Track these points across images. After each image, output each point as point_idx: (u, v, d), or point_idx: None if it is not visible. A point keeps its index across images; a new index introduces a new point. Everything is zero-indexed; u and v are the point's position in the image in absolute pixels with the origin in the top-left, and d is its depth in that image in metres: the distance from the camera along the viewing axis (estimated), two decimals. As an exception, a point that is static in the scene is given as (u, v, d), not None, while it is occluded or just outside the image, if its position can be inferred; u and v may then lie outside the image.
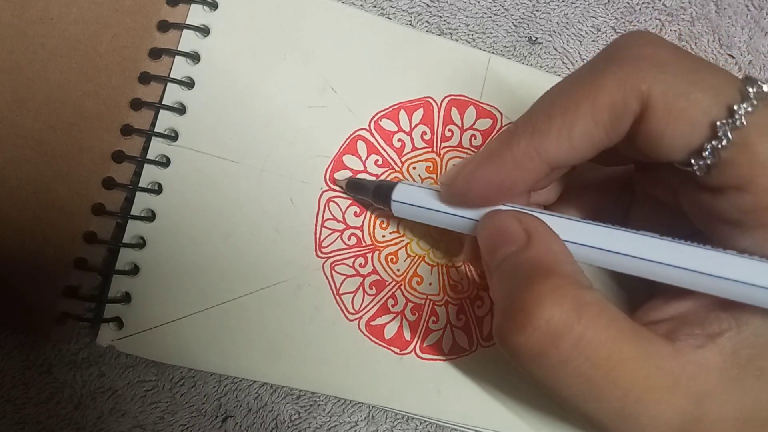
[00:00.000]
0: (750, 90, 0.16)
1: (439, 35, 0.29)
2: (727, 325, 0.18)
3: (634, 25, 0.31)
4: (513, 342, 0.17)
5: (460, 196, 0.21)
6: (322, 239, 0.26)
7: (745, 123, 0.16)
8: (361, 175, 0.27)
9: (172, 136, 0.26)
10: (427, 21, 0.29)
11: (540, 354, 0.17)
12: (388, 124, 0.27)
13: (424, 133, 0.28)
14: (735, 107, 0.16)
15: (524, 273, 0.18)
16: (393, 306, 0.27)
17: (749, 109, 0.16)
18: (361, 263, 0.27)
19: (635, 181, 0.23)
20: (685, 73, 0.17)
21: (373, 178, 0.27)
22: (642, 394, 0.17)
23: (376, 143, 0.27)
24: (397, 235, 0.27)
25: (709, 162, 0.17)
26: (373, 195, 0.25)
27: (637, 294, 0.20)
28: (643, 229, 0.22)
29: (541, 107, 0.19)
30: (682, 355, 0.17)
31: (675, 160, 0.18)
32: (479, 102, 0.28)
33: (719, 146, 0.16)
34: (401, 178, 0.27)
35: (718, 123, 0.16)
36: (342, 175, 0.27)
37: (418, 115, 0.28)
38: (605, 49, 0.19)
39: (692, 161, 0.17)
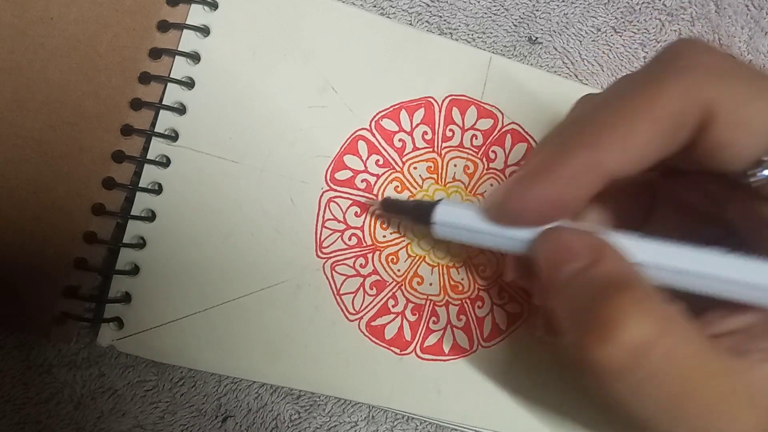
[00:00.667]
0: None
1: (439, 35, 0.29)
2: None
3: (634, 25, 0.31)
4: (595, 356, 0.16)
5: (514, 215, 0.20)
6: (322, 239, 0.26)
7: None
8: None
9: (172, 136, 0.26)
10: (427, 21, 0.29)
11: (625, 369, 0.16)
12: (388, 124, 0.27)
13: (425, 132, 0.28)
14: None
15: (600, 288, 0.17)
16: (393, 306, 0.27)
17: None
18: (361, 263, 0.27)
19: (659, 184, 0.22)
20: (747, 83, 0.16)
21: (413, 199, 0.26)
22: (724, 412, 0.16)
23: (376, 143, 0.27)
24: (397, 235, 0.27)
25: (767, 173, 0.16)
26: (413, 217, 0.24)
27: (690, 304, 0.19)
28: (665, 233, 0.21)
29: (595, 120, 0.18)
30: (754, 370, 0.17)
31: (732, 170, 0.17)
32: (480, 102, 0.28)
33: None
34: (402, 179, 0.27)
35: None
36: (374, 203, 0.26)
37: (419, 114, 0.28)
38: (659, 57, 0.18)
39: (753, 171, 0.17)
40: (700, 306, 0.19)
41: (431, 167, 0.28)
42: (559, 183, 0.18)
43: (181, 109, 0.26)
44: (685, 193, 0.21)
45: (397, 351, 0.26)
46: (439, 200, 0.23)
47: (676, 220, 0.22)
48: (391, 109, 0.28)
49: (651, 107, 0.17)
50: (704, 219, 0.20)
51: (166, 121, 0.26)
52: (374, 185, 0.27)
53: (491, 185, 0.28)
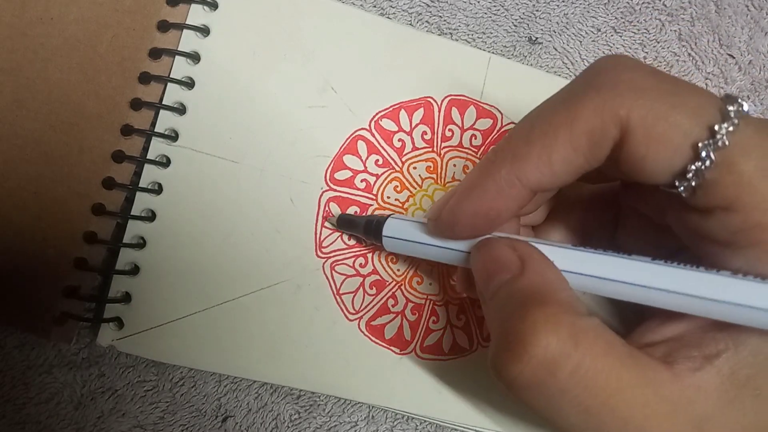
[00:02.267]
0: (730, 109, 0.16)
1: (439, 35, 0.29)
2: (724, 346, 0.18)
3: (634, 25, 0.31)
4: (509, 373, 0.17)
5: (447, 229, 0.21)
6: (322, 239, 0.26)
7: (727, 143, 0.16)
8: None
9: (172, 136, 0.26)
10: (427, 21, 0.29)
11: (537, 384, 0.17)
12: (388, 124, 0.27)
13: (425, 132, 0.28)
14: (716, 128, 0.16)
15: (519, 301, 0.18)
16: (393, 306, 0.27)
17: (730, 128, 0.16)
18: (361, 263, 0.27)
19: (622, 197, 0.23)
20: (664, 97, 0.17)
21: (365, 214, 0.27)
22: (642, 422, 0.17)
23: (376, 143, 0.27)
24: (397, 235, 0.27)
25: (693, 183, 0.17)
26: (364, 231, 0.25)
27: (631, 314, 0.19)
28: (631, 245, 0.22)
29: (520, 134, 0.19)
30: (680, 380, 0.17)
31: (659, 183, 0.18)
32: (480, 102, 0.28)
33: (703, 167, 0.16)
34: (402, 179, 0.27)
35: (699, 144, 0.16)
36: (334, 209, 0.27)
37: (419, 114, 0.28)
38: (582, 74, 0.19)
39: (676, 183, 0.17)
40: (639, 315, 0.19)
41: (431, 167, 0.28)
42: (486, 197, 0.19)
43: (181, 109, 0.26)
44: (640, 204, 0.22)
45: (397, 351, 0.26)
46: (389, 216, 0.24)
47: (640, 231, 0.22)
48: (391, 109, 0.28)
49: (568, 124, 0.17)
50: (662, 229, 0.21)
51: (166, 121, 0.26)
52: (374, 185, 0.27)
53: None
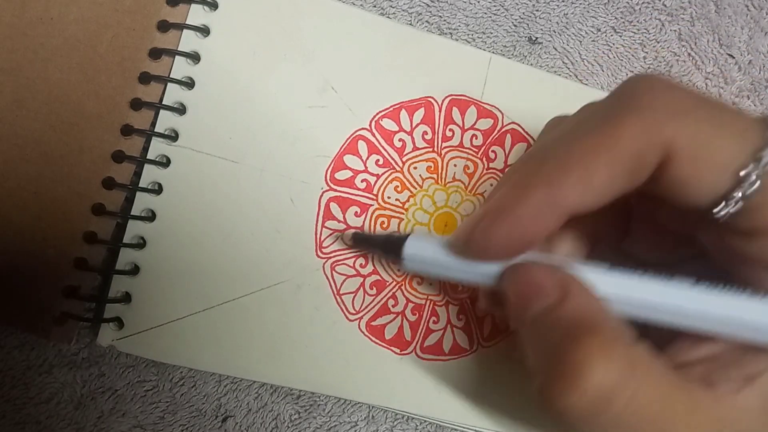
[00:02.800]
0: None
1: (439, 35, 0.29)
2: (764, 366, 0.18)
3: (634, 25, 0.31)
4: (563, 403, 0.16)
5: (479, 252, 0.20)
6: (322, 239, 0.26)
7: None
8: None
9: (172, 136, 0.26)
10: (427, 21, 0.29)
11: (592, 415, 0.16)
12: (388, 124, 0.27)
13: (425, 132, 0.28)
14: (762, 153, 0.16)
15: (566, 329, 0.17)
16: (393, 306, 0.27)
17: None
18: (361, 263, 0.27)
19: (638, 205, 0.22)
20: (708, 120, 0.17)
21: (381, 231, 0.26)
22: None
23: (376, 143, 0.27)
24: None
25: (736, 208, 0.17)
26: (383, 249, 0.24)
27: (661, 330, 0.19)
28: (643, 251, 0.21)
29: (555, 155, 0.18)
30: (723, 402, 0.17)
31: (700, 205, 0.17)
32: (480, 102, 0.28)
33: (746, 192, 0.16)
34: (402, 179, 0.27)
35: (746, 169, 0.16)
36: (346, 234, 0.26)
37: (419, 114, 0.28)
38: (617, 95, 0.18)
39: (718, 207, 0.17)
40: (671, 332, 0.19)
41: (431, 167, 0.28)
42: (521, 220, 0.18)
43: (181, 109, 0.26)
44: (659, 214, 0.21)
45: (397, 351, 0.26)
46: (408, 234, 0.23)
47: (653, 239, 0.22)
48: (391, 109, 0.28)
49: (610, 147, 0.17)
50: (680, 238, 0.20)
51: (166, 121, 0.26)
52: (374, 185, 0.27)
53: (491, 185, 0.28)
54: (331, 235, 0.26)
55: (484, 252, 0.20)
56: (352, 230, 0.26)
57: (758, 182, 0.16)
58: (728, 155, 0.16)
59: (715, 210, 0.17)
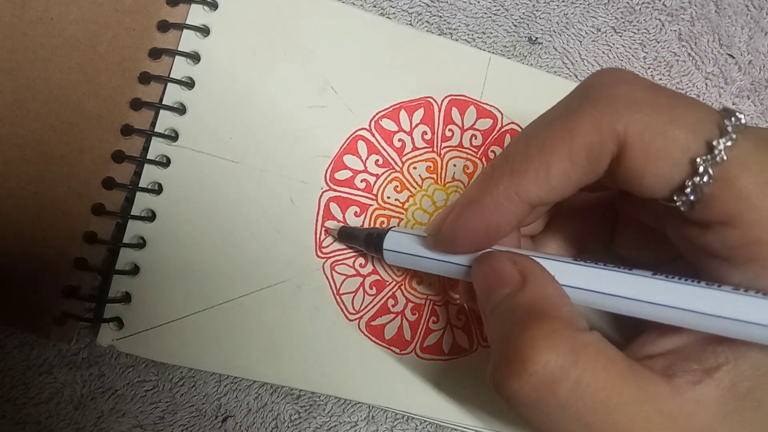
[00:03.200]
0: (728, 123, 0.16)
1: (439, 35, 0.29)
2: (725, 359, 0.18)
3: (634, 25, 0.31)
4: (509, 388, 0.17)
5: (447, 244, 0.21)
6: (322, 239, 0.26)
7: (725, 158, 0.16)
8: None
9: (172, 136, 0.26)
10: (427, 21, 0.29)
11: (537, 400, 0.17)
12: (388, 124, 0.27)
13: (425, 132, 0.28)
14: (714, 143, 0.16)
15: (519, 316, 0.18)
16: (393, 306, 0.27)
17: (728, 143, 0.16)
18: (361, 263, 0.27)
19: (619, 205, 0.23)
20: (662, 111, 0.17)
21: (366, 227, 0.27)
22: None
23: (376, 143, 0.27)
24: (397, 235, 0.27)
25: (692, 198, 0.17)
26: (365, 244, 0.25)
27: (629, 324, 0.19)
28: (629, 252, 0.22)
29: (517, 148, 0.19)
30: (680, 394, 0.17)
31: (657, 197, 0.18)
32: (480, 102, 0.28)
33: (701, 182, 0.16)
34: (402, 179, 0.27)
35: (698, 160, 0.16)
36: (333, 224, 0.27)
37: (419, 114, 0.28)
38: (579, 88, 0.19)
39: (675, 198, 0.17)
40: (640, 325, 0.19)
41: (431, 167, 0.28)
42: (485, 212, 0.19)
43: (181, 109, 0.26)
44: (640, 213, 0.22)
45: (397, 351, 0.26)
46: (389, 228, 0.24)
47: (637, 238, 0.22)
48: (391, 109, 0.28)
49: (566, 139, 0.17)
50: (662, 237, 0.21)
51: (166, 121, 0.26)
52: (374, 185, 0.27)
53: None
54: (326, 232, 0.26)
55: (453, 244, 0.21)
56: (340, 225, 0.26)
57: (711, 173, 0.16)
58: (681, 146, 0.16)
59: (674, 198, 0.17)
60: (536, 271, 0.19)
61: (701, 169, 0.16)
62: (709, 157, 0.16)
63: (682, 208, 0.17)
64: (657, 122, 0.17)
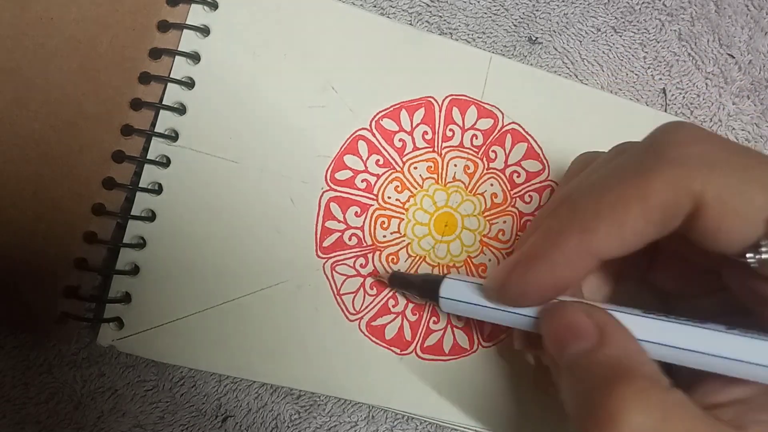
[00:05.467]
0: None
1: (439, 35, 0.29)
2: None
3: (634, 25, 0.31)
4: None
5: (514, 298, 0.21)
6: (322, 239, 0.26)
7: None
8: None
9: (172, 136, 0.26)
10: (427, 21, 0.29)
11: None
12: (389, 124, 0.27)
13: (426, 132, 0.28)
14: None
15: (603, 374, 0.17)
16: (394, 306, 0.27)
17: None
18: (361, 263, 0.27)
19: (663, 241, 0.23)
20: (738, 171, 0.17)
21: (419, 273, 0.26)
22: None
23: (377, 143, 0.27)
24: (398, 235, 0.27)
25: (765, 257, 0.17)
26: (419, 291, 0.25)
27: (688, 372, 0.19)
28: (666, 284, 0.22)
29: (587, 204, 0.19)
30: None
31: (729, 253, 0.18)
32: (480, 102, 0.28)
33: None
34: (402, 179, 0.27)
35: None
36: (380, 268, 0.26)
37: (419, 114, 0.28)
38: (651, 144, 0.19)
39: (747, 255, 0.17)
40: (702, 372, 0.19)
41: (431, 167, 0.28)
42: (555, 267, 0.19)
43: (181, 109, 0.26)
44: (686, 251, 0.22)
45: (398, 351, 0.26)
46: (444, 276, 0.23)
47: (678, 272, 0.22)
48: (391, 108, 0.28)
49: (641, 198, 0.18)
50: (705, 272, 0.21)
51: (166, 121, 0.26)
52: (374, 185, 0.27)
53: (491, 185, 0.28)
54: (371, 275, 0.26)
55: (519, 298, 0.20)
56: (390, 271, 0.26)
57: None
58: (758, 206, 0.17)
59: (744, 257, 0.17)
60: (613, 324, 0.19)
61: None
62: None
63: (754, 266, 0.17)
64: (733, 182, 0.17)
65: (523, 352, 0.25)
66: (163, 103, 0.26)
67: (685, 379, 0.20)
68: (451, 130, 0.28)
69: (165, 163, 0.26)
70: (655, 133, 0.19)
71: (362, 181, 0.27)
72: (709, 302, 0.21)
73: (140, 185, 0.26)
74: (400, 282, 0.26)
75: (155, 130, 0.26)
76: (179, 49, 0.26)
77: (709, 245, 0.18)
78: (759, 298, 0.19)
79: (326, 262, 0.26)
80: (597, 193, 0.19)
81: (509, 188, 0.28)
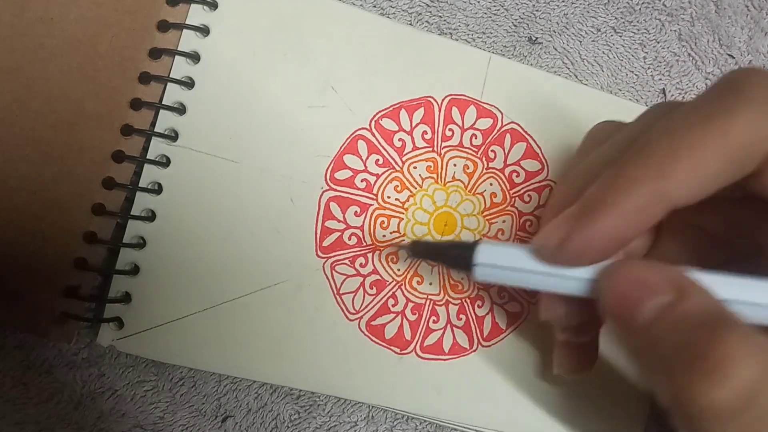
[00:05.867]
0: None
1: (439, 35, 0.29)
2: None
3: (634, 25, 0.31)
4: (707, 402, 0.15)
5: (574, 255, 0.19)
6: (322, 239, 0.26)
7: None
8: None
9: (172, 136, 0.26)
10: (427, 21, 0.29)
11: (737, 411, 0.15)
12: (388, 124, 0.27)
13: (425, 132, 0.28)
14: None
15: (697, 324, 0.16)
16: (393, 306, 0.27)
17: None
18: (361, 263, 0.27)
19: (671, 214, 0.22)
20: None
21: (444, 240, 0.24)
22: None
23: (376, 143, 0.27)
24: (397, 234, 0.27)
25: None
26: (448, 260, 0.23)
27: None
28: (672, 255, 0.21)
29: (659, 146, 0.17)
30: None
31: None
32: (480, 101, 0.28)
33: None
34: (402, 179, 0.27)
35: None
36: (402, 244, 0.24)
37: (419, 114, 0.28)
38: (726, 85, 0.18)
39: None
40: None
41: (431, 167, 0.28)
42: (625, 216, 0.17)
43: (181, 109, 0.26)
44: (697, 218, 0.21)
45: (397, 350, 0.26)
46: (478, 240, 0.22)
47: (686, 241, 0.21)
48: (391, 108, 0.28)
49: (720, 139, 0.17)
50: (716, 241, 0.20)
51: (166, 121, 0.26)
52: (374, 185, 0.27)
53: (491, 184, 0.28)
54: (389, 246, 0.25)
55: (582, 254, 0.19)
56: (409, 240, 0.24)
57: None
58: None
59: None
60: (691, 281, 0.17)
61: None
62: None
63: None
64: None
65: (548, 326, 0.23)
66: (163, 103, 0.26)
67: None
68: (450, 129, 0.28)
69: (165, 163, 0.26)
70: (730, 76, 0.18)
71: (362, 181, 0.27)
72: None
73: (140, 185, 0.26)
74: (424, 251, 0.24)
75: (155, 130, 0.26)
76: (179, 48, 0.26)
77: None
78: None
79: (326, 261, 0.26)
80: (673, 134, 0.17)
81: (508, 188, 0.28)
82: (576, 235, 0.18)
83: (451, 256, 0.22)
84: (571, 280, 0.19)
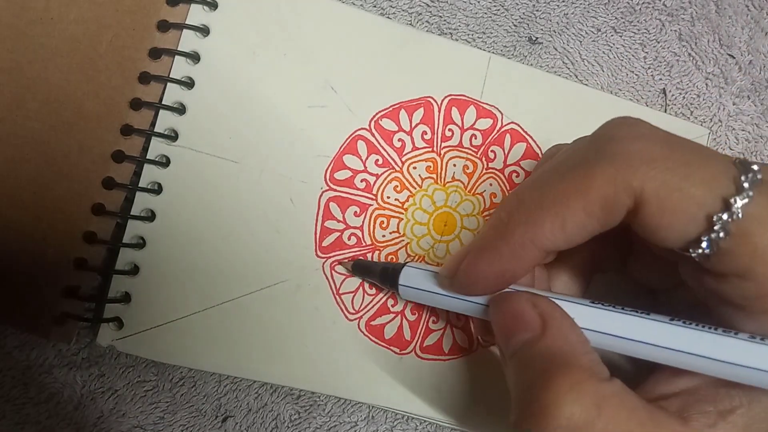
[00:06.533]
0: (744, 179, 0.17)
1: (439, 35, 0.29)
2: (738, 402, 0.18)
3: (634, 25, 0.31)
4: None
5: (464, 287, 0.21)
6: (321, 239, 0.26)
7: (741, 216, 0.16)
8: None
9: (172, 136, 0.26)
10: (427, 21, 0.29)
11: None
12: (388, 124, 0.27)
13: (425, 132, 0.28)
14: (731, 200, 0.16)
15: (541, 365, 0.18)
16: (393, 306, 0.27)
17: (745, 201, 0.16)
18: (361, 263, 0.27)
19: (633, 234, 0.23)
20: (677, 168, 0.17)
21: (378, 261, 0.27)
22: None
23: (376, 143, 0.27)
24: (397, 235, 0.27)
25: (707, 252, 0.17)
26: (379, 278, 0.25)
27: (640, 362, 0.20)
28: (643, 275, 0.22)
29: (532, 197, 0.19)
30: None
31: (673, 247, 0.18)
32: (479, 102, 0.28)
33: (717, 238, 0.17)
34: (401, 179, 0.27)
35: (714, 217, 0.16)
36: (346, 262, 0.27)
37: (419, 114, 0.28)
38: (594, 140, 0.19)
39: (690, 250, 0.17)
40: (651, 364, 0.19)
41: (430, 167, 0.28)
42: (500, 259, 0.20)
43: (180, 109, 0.26)
44: (653, 247, 0.21)
45: (397, 351, 0.26)
46: (404, 264, 0.24)
47: (653, 263, 0.22)
48: (391, 108, 0.28)
49: (581, 192, 0.18)
50: (675, 265, 0.21)
51: (165, 121, 0.26)
52: (374, 185, 0.27)
53: (490, 185, 0.28)
54: (335, 259, 0.26)
55: (469, 287, 0.21)
56: (353, 259, 0.26)
57: (727, 229, 0.16)
58: (697, 203, 0.17)
59: (689, 250, 0.17)
60: (557, 315, 0.19)
61: (717, 226, 0.16)
62: (725, 214, 0.16)
63: (697, 259, 0.17)
64: (673, 179, 0.17)
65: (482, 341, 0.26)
66: (163, 102, 0.26)
67: (642, 370, 0.20)
68: (450, 130, 0.28)
69: (165, 162, 0.26)
70: (600, 129, 0.19)
71: (361, 181, 0.27)
72: (683, 295, 0.21)
73: (140, 185, 0.26)
74: (362, 269, 0.26)
75: (155, 130, 0.26)
76: (179, 48, 0.26)
77: (653, 240, 0.18)
78: (707, 292, 0.19)
79: (326, 261, 0.26)
80: (541, 186, 0.19)
81: (508, 188, 0.28)
82: (462, 271, 0.21)
83: (382, 276, 0.25)
84: (473, 305, 0.22)
